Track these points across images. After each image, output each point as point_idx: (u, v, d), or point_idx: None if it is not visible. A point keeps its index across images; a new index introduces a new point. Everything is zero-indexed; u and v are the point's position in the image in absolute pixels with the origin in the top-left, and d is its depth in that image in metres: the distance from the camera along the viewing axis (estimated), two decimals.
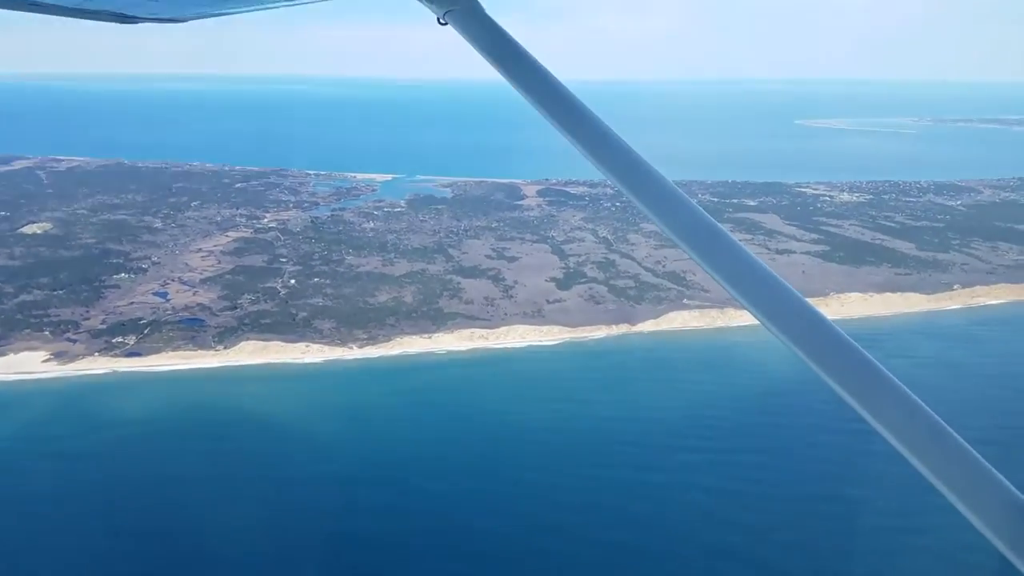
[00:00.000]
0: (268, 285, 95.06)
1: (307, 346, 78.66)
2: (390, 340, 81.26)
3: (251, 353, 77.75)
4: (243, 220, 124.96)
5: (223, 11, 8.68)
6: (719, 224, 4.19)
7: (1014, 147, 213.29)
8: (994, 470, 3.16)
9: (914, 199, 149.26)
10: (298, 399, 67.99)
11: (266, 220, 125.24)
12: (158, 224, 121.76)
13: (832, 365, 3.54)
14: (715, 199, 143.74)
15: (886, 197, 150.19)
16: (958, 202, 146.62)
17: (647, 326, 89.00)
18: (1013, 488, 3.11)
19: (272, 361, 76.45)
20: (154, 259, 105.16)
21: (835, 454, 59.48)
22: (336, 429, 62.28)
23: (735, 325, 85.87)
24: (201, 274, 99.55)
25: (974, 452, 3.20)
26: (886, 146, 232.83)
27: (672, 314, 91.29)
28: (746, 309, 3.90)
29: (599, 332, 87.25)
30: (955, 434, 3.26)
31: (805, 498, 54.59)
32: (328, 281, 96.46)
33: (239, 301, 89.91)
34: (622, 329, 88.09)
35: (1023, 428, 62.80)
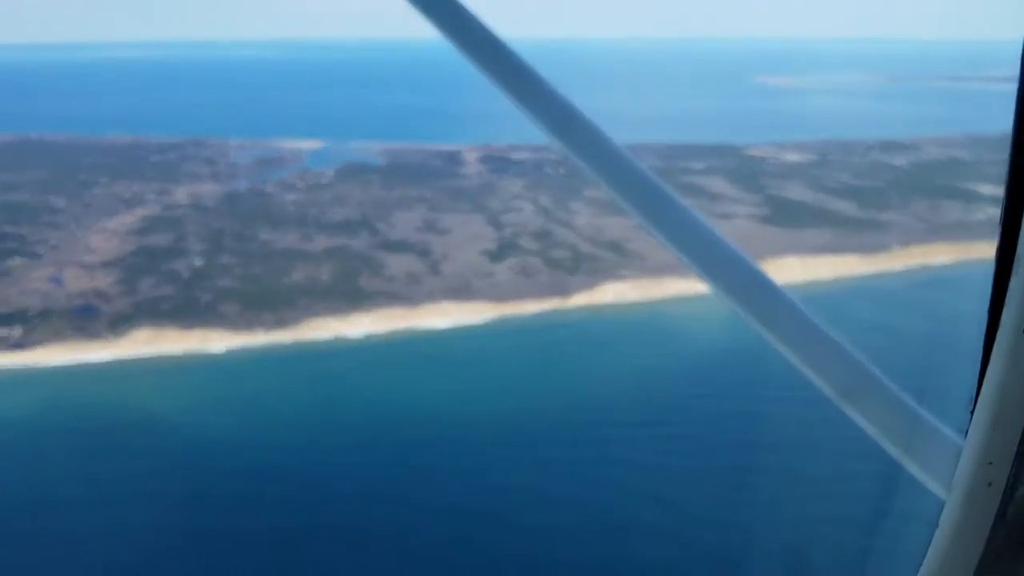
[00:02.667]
0: (171, 267, 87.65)
1: (206, 333, 72.33)
2: (300, 323, 75.26)
3: (144, 343, 71.14)
4: (153, 196, 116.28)
5: None
6: (668, 187, 4.05)
7: (967, 104, 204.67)
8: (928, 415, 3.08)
9: (859, 157, 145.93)
10: (187, 393, 61.93)
11: (178, 195, 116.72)
12: (61, 203, 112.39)
13: (778, 329, 3.45)
14: (661, 162, 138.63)
15: (832, 157, 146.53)
16: (903, 160, 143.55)
17: (580, 299, 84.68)
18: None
19: (167, 352, 70.07)
20: (52, 242, 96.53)
21: (769, 423, 55.92)
22: (226, 422, 56.68)
23: (670, 295, 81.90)
24: (102, 257, 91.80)
25: (914, 405, 3.13)
26: (839, 104, 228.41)
27: (606, 285, 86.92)
28: (696, 275, 3.77)
29: (529, 307, 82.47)
30: (896, 389, 3.16)
31: (729, 469, 51.98)
32: (238, 261, 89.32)
33: (138, 285, 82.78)
34: (554, 304, 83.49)
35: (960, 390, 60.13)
